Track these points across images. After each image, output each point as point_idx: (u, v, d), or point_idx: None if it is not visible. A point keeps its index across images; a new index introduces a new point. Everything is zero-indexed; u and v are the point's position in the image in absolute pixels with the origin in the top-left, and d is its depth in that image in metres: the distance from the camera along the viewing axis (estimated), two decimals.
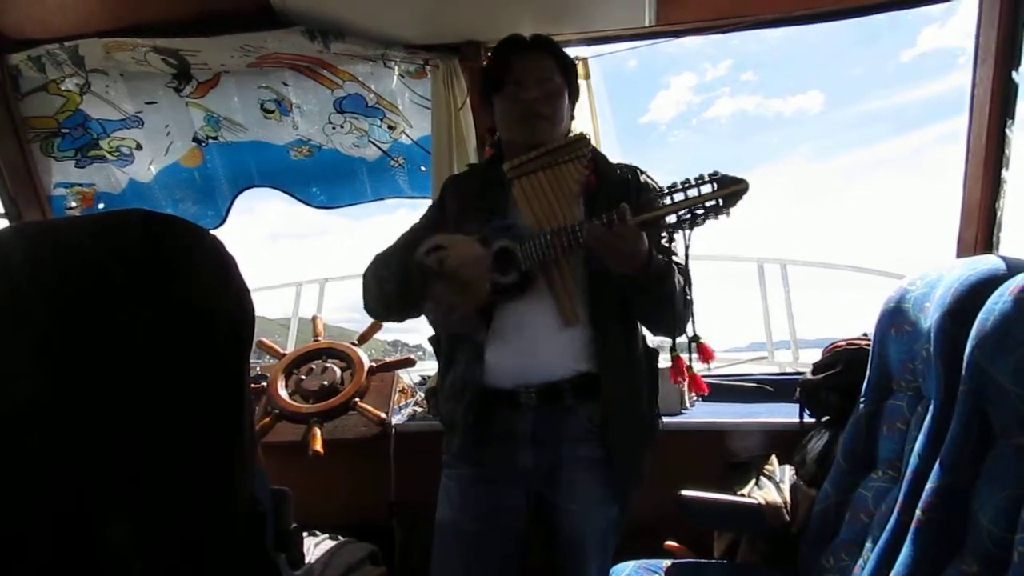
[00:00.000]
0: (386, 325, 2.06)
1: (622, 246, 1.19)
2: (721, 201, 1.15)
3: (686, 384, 1.37)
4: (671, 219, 1.19)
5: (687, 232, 1.23)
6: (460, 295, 1.30)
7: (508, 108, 1.38)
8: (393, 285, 1.36)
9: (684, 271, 1.32)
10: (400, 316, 1.46)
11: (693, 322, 1.34)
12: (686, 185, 1.16)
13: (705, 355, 1.35)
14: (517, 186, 1.36)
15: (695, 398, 2.15)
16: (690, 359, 1.35)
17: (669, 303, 1.28)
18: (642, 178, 1.41)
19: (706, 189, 1.15)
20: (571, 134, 1.44)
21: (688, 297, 1.33)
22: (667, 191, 1.18)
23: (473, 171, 1.58)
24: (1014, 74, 1.69)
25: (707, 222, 1.18)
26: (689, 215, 1.17)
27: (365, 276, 1.45)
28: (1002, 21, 1.67)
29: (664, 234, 1.31)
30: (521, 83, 1.36)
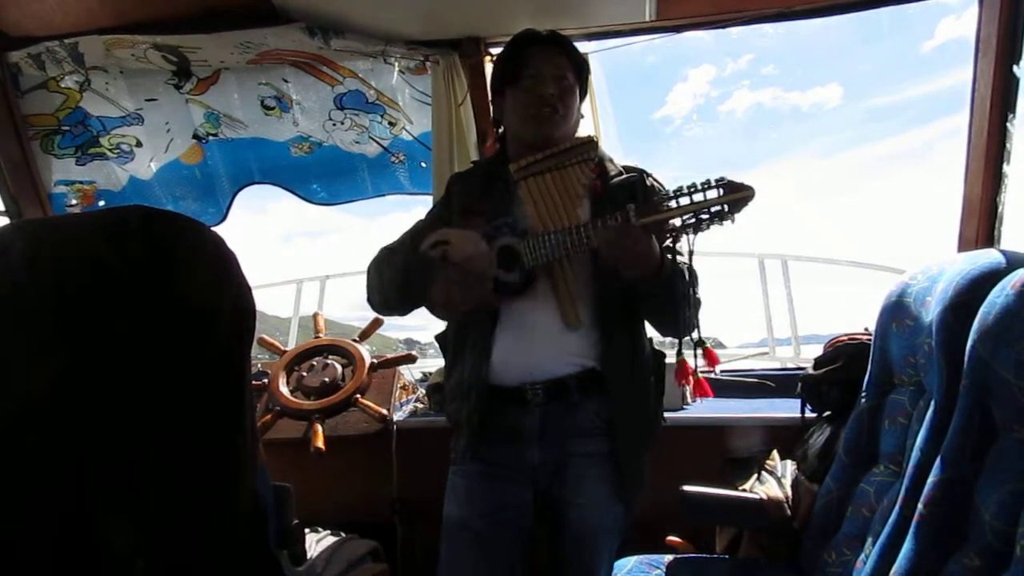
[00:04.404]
0: (399, 323, 2.07)
1: (634, 248, 1.19)
2: (726, 207, 1.14)
3: (691, 388, 1.37)
4: (676, 223, 1.19)
5: (691, 237, 1.22)
6: (462, 290, 1.30)
7: (524, 101, 1.38)
8: (396, 278, 1.36)
9: (690, 272, 1.32)
10: (401, 310, 1.45)
11: (698, 324, 1.34)
12: (692, 189, 1.15)
13: (710, 360, 1.34)
14: (524, 187, 1.36)
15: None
16: (695, 362, 1.35)
17: (677, 305, 1.28)
18: (648, 181, 1.41)
19: (712, 194, 1.14)
20: (578, 135, 1.44)
21: (696, 297, 1.33)
22: (673, 195, 1.17)
23: (477, 168, 1.57)
24: (1015, 68, 1.69)
25: (712, 227, 1.17)
26: (694, 220, 1.17)
27: (369, 270, 1.46)
28: (1003, 15, 1.66)
29: (668, 237, 1.31)
30: (538, 77, 1.36)
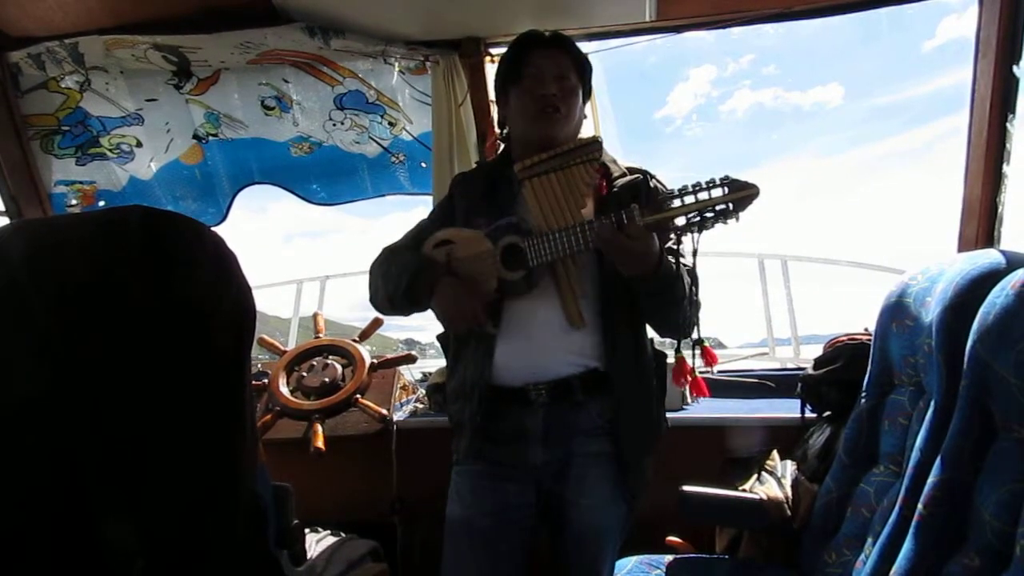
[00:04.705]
0: (399, 323, 2.07)
1: (633, 247, 1.19)
2: (731, 205, 1.14)
3: (688, 387, 1.38)
4: (680, 221, 1.19)
5: (695, 236, 1.22)
6: (466, 290, 1.30)
7: (526, 101, 1.38)
8: (400, 279, 1.37)
9: (692, 273, 1.32)
10: (404, 311, 1.45)
11: (698, 324, 1.34)
12: (696, 188, 1.15)
13: (709, 359, 1.34)
14: (528, 187, 1.36)
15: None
16: (693, 361, 1.35)
17: (677, 306, 1.28)
18: (651, 182, 1.41)
19: (716, 193, 1.14)
20: (581, 135, 1.44)
21: (695, 299, 1.33)
22: (677, 193, 1.17)
23: (481, 169, 1.58)
24: (1015, 68, 1.69)
25: (716, 226, 1.17)
26: (698, 218, 1.17)
27: (371, 270, 1.46)
28: (1003, 15, 1.66)
29: (672, 236, 1.31)
30: (539, 77, 1.36)
